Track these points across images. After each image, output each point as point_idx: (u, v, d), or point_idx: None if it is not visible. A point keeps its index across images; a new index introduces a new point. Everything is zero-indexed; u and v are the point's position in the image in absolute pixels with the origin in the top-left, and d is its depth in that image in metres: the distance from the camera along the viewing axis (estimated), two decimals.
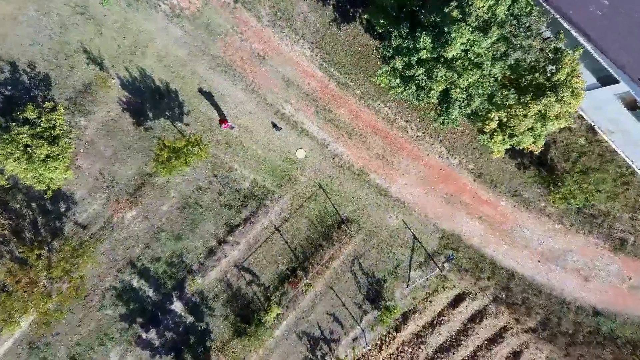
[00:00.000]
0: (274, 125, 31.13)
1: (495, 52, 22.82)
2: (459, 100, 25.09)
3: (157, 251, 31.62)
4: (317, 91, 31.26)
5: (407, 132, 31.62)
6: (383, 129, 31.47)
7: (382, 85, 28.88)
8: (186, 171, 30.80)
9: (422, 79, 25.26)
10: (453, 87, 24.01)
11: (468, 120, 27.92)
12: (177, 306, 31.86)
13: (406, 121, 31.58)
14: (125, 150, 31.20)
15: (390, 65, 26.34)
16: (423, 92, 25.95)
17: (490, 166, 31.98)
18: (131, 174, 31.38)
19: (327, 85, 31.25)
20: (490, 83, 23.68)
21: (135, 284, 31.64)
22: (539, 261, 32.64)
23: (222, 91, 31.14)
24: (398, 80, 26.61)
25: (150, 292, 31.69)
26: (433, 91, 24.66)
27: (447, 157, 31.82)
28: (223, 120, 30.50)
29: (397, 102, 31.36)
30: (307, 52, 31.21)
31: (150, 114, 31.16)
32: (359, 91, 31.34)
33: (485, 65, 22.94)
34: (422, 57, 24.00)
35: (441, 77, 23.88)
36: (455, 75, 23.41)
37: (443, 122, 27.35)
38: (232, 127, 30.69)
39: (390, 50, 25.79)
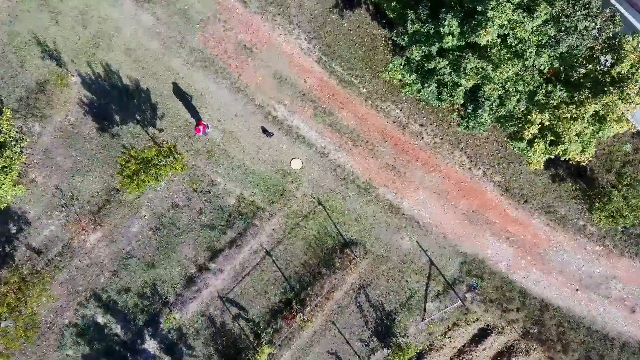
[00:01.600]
0: (265, 131, 26.20)
1: (542, 37, 17.91)
2: (491, 100, 20.20)
3: (126, 280, 26.65)
4: (315, 90, 26.35)
5: (422, 138, 26.70)
6: (394, 134, 26.55)
7: (394, 81, 24.00)
8: (159, 186, 25.84)
9: (446, 74, 20.37)
10: (486, 83, 19.13)
11: (497, 124, 23.03)
12: (151, 345, 26.85)
13: (421, 125, 26.67)
14: (88, 161, 26.28)
15: (405, 57, 21.48)
16: (446, 89, 21.08)
17: (520, 178, 27.07)
18: (95, 189, 26.43)
19: (328, 83, 26.35)
20: (533, 77, 18.78)
21: (100, 319, 26.68)
22: (577, 290, 27.70)
23: (202, 90, 26.23)
24: (414, 76, 21.74)
25: (118, 329, 26.70)
26: (460, 88, 19.80)
27: (470, 168, 26.89)
28: (198, 121, 25.52)
29: (411, 103, 26.47)
30: (304, 44, 26.32)
31: (117, 118, 26.24)
32: (365, 90, 26.45)
33: (528, 54, 18.06)
34: (446, 46, 19.13)
35: (471, 70, 19.02)
36: (489, 67, 18.54)
37: (467, 126, 22.46)
38: (207, 130, 25.60)
39: (405, 37, 20.90)
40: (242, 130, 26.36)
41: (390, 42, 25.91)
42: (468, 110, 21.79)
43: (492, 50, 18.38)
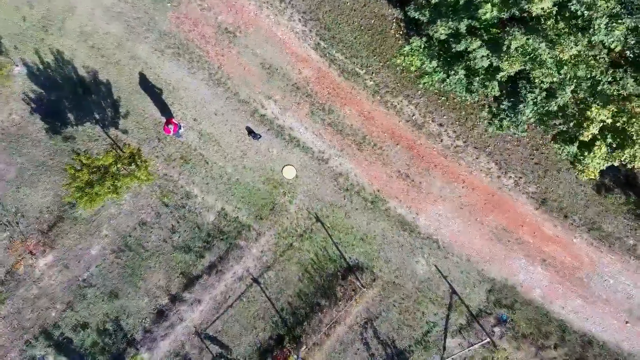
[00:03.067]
0: (251, 132, 21.60)
1: (614, 6, 13.34)
2: (536, 91, 15.63)
3: (83, 314, 21.98)
4: (312, 83, 21.76)
5: (441, 141, 22.10)
6: (407, 136, 21.95)
7: (409, 70, 19.46)
8: (124, 199, 21.20)
9: (479, 57, 15.80)
10: (536, 67, 14.52)
11: (537, 123, 18.49)
12: None
13: (440, 125, 22.06)
14: (35, 169, 21.62)
15: (424, 39, 16.89)
16: (478, 78, 16.50)
17: (558, 189, 22.47)
18: (44, 204, 21.78)
19: (327, 75, 21.77)
20: (599, 59, 14.20)
21: None
22: (627, 322, 23.08)
23: (175, 83, 21.62)
24: (435, 62, 17.18)
25: None
26: (500, 74, 15.18)
27: (499, 176, 22.28)
28: (169, 119, 20.88)
29: (428, 98, 21.88)
30: (298, 27, 21.74)
31: (70, 117, 21.62)
32: (372, 82, 21.85)
33: (596, 26, 13.46)
34: (483, 18, 14.52)
35: (516, 50, 14.39)
36: (542, 45, 13.91)
37: (501, 125, 17.96)
38: (179, 131, 20.99)
39: (427, 12, 16.34)
40: (223, 131, 21.74)
41: (402, 24, 21.37)
42: (503, 106, 17.23)
43: (547, 23, 13.78)
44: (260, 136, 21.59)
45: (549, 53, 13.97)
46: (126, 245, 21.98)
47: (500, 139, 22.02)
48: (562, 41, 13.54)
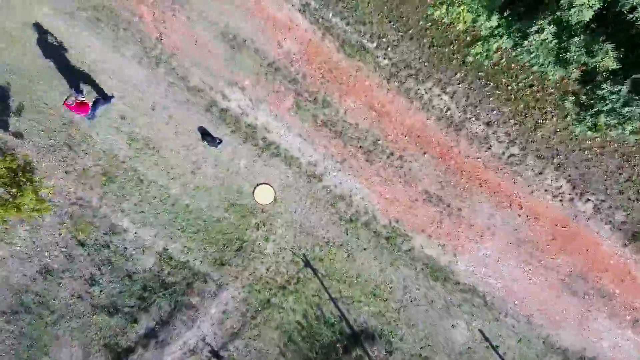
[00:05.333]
0: (206, 136, 14.43)
1: None
2: None
3: None
4: (298, 62, 14.62)
5: (489, 148, 14.97)
6: (439, 140, 14.81)
7: (455, 29, 12.42)
8: (16, 235, 14.01)
9: (578, 5, 8.64)
10: None
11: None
12: None
13: (487, 124, 14.92)
14: None
15: None
16: (577, 40, 9.31)
17: None
18: None
19: (321, 49, 14.65)
20: None
21: None
22: None
23: (92, 63, 14.48)
24: (497, 18, 10.14)
25: None
26: None
27: (572, 199, 15.15)
28: (76, 91, 13.64)
29: (471, 83, 14.71)
30: None
31: None
32: (387, 61, 14.71)
33: None
34: None
35: None
36: None
37: (595, 124, 10.86)
38: (100, 107, 13.77)
39: None
40: (165, 134, 14.55)
41: None
42: (605, 90, 10.09)
43: None
44: (221, 141, 14.41)
45: None
46: (22, 304, 14.74)
47: (576, 144, 14.88)
48: None
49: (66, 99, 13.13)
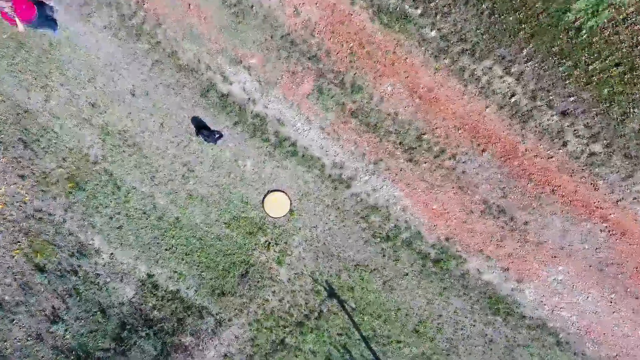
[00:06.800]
0: (202, 130, 11.07)
1: None
2: None
3: None
4: (320, 33, 11.26)
5: (564, 145, 11.70)
6: (501, 134, 11.48)
7: None
8: None
9: None
10: None
11: None
12: None
13: (563, 114, 11.61)
14: None
15: None
16: None
17: None
18: None
19: (349, 17, 11.31)
20: None
21: None
22: None
23: (53, 36, 11.11)
24: None
25: None
26: None
27: None
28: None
29: (541, 62, 11.38)
30: None
31: None
32: (435, 32, 11.39)
33: None
34: None
35: None
36: None
37: None
38: (39, 19, 10.05)
39: None
40: (148, 127, 11.24)
41: None
42: None
43: None
44: (221, 136, 11.11)
45: None
46: None
47: None
48: None
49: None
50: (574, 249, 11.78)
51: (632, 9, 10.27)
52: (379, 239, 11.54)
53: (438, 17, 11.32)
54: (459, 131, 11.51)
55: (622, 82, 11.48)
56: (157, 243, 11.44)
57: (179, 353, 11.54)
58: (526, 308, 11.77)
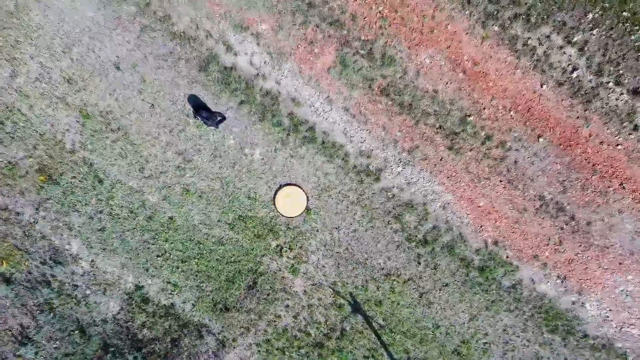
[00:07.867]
0: (201, 111, 9.09)
1: None
2: None
3: None
4: None
5: (635, 128, 9.68)
6: (558, 117, 9.52)
7: None
8: None
9: None
10: None
11: None
12: None
13: (635, 92, 9.63)
14: None
15: None
16: None
17: None
18: None
19: None
20: None
21: None
22: None
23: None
24: None
25: None
26: None
27: None
28: None
29: (608, 29, 9.46)
30: None
31: None
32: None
33: None
34: None
35: None
36: None
37: None
38: None
39: None
40: (136, 107, 9.30)
41: None
42: None
43: None
44: (224, 118, 9.16)
45: None
46: None
47: None
48: None
49: None
50: None
51: None
52: (414, 243, 9.61)
53: None
54: (510, 113, 9.57)
55: None
56: (147, 248, 9.50)
57: None
58: (589, 325, 9.85)
